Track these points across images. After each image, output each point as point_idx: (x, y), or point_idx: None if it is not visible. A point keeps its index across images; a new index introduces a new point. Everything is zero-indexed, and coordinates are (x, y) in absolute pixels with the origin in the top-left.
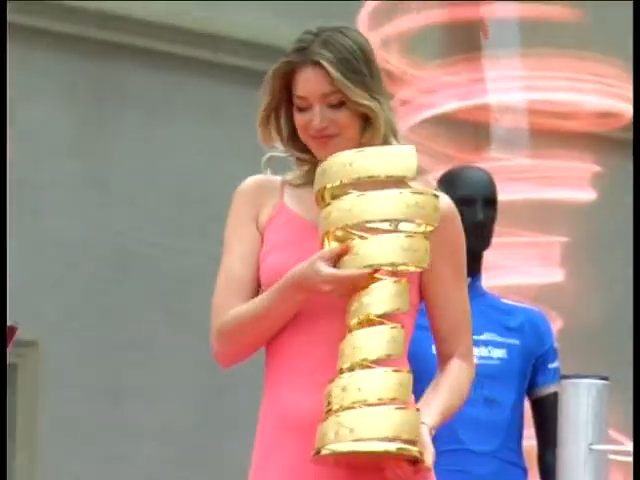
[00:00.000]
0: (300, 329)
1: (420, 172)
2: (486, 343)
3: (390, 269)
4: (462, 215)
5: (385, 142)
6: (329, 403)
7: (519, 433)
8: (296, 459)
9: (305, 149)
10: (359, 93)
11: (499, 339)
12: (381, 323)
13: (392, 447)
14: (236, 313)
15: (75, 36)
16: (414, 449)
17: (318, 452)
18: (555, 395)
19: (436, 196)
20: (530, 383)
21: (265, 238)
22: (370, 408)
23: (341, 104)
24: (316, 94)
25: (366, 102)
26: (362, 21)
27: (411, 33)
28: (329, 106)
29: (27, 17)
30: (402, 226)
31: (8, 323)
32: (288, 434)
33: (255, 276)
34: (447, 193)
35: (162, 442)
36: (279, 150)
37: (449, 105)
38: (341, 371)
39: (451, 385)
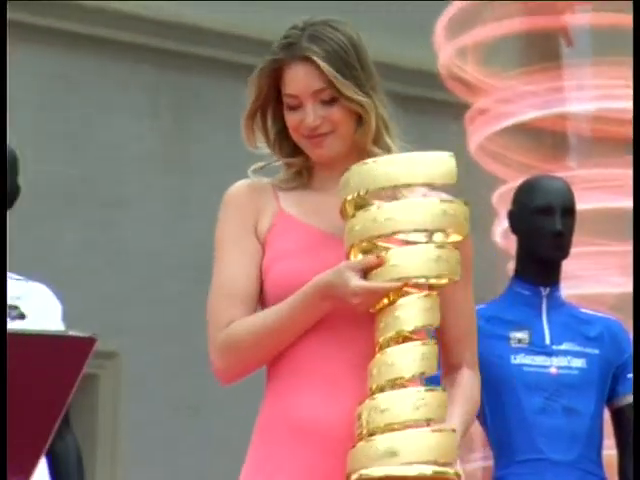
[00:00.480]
0: (318, 335)
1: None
2: (565, 353)
3: (422, 282)
4: (541, 225)
5: (378, 139)
6: (361, 425)
7: (599, 443)
8: (313, 466)
9: (293, 150)
10: (351, 88)
11: (578, 349)
12: (412, 339)
13: (427, 470)
14: (248, 326)
15: (156, 49)
16: (450, 472)
17: (350, 476)
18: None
19: (466, 204)
20: (610, 393)
21: (267, 247)
22: (406, 431)
23: (333, 100)
24: (307, 91)
25: (358, 97)
26: (439, 31)
27: (488, 43)
28: (321, 103)
29: (108, 30)
30: (433, 236)
31: (86, 334)
32: (305, 441)
33: (257, 287)
34: (525, 203)
35: (242, 455)
36: (266, 156)
37: (527, 114)
38: (373, 391)
39: (467, 397)
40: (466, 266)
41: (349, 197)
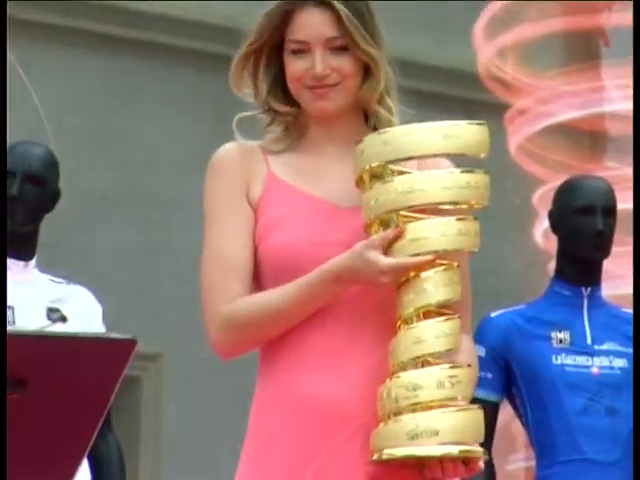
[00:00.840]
0: (318, 312)
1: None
2: (607, 353)
3: (447, 254)
4: (582, 224)
5: (381, 99)
6: (383, 405)
7: None
8: (318, 441)
9: (286, 104)
10: (366, 39)
11: (620, 349)
12: (438, 314)
13: (454, 450)
14: (253, 306)
15: (200, 52)
16: (478, 450)
17: (378, 456)
18: None
19: (486, 173)
20: None
21: (260, 213)
22: (432, 411)
23: (344, 50)
24: (320, 37)
25: (371, 50)
26: (478, 31)
27: (528, 43)
28: (331, 52)
29: (152, 33)
30: (454, 207)
31: (128, 336)
32: (309, 417)
33: (252, 256)
34: (566, 203)
35: None
36: (250, 109)
37: (567, 114)
38: (396, 369)
39: (471, 360)
40: None
41: (367, 167)
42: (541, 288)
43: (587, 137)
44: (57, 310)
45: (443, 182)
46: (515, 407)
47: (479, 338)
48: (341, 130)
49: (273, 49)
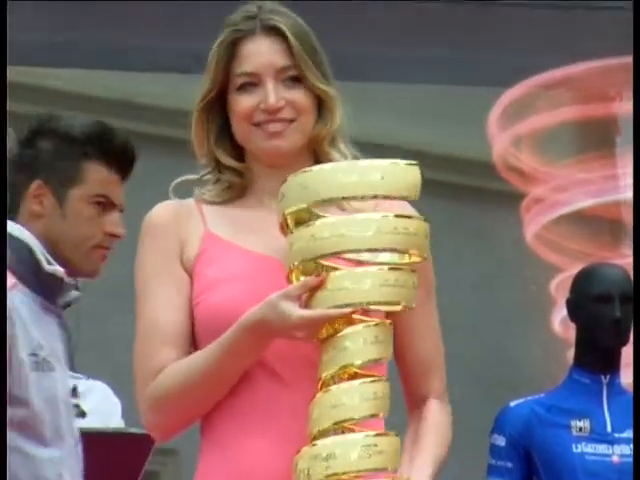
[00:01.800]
0: (256, 375)
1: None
2: (627, 441)
3: (372, 308)
4: (600, 312)
5: (333, 142)
6: (298, 478)
7: None
8: None
9: (232, 154)
10: (316, 72)
11: None
12: (362, 376)
13: None
14: (174, 374)
15: None
16: None
17: None
18: None
19: (426, 220)
20: None
21: (197, 275)
22: None
23: (296, 82)
24: (270, 68)
25: (324, 84)
26: (493, 121)
27: (542, 132)
28: (283, 84)
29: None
30: (385, 256)
31: (146, 432)
32: None
33: (188, 324)
34: (584, 290)
35: None
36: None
37: (583, 202)
38: (313, 437)
39: (436, 434)
40: (427, 288)
41: (288, 210)
42: (560, 376)
43: (604, 225)
44: (77, 406)
45: (373, 226)
46: None
47: (499, 428)
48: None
49: (219, 92)
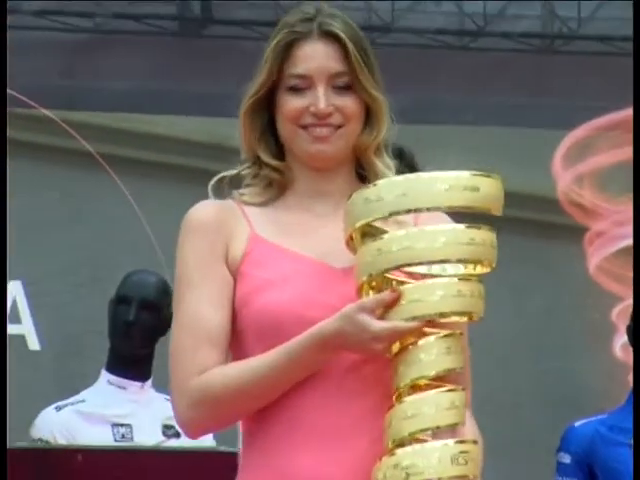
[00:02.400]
0: (314, 382)
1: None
2: None
3: (446, 320)
4: None
5: (378, 152)
6: None
7: None
8: None
9: (273, 153)
10: (370, 78)
11: None
12: (436, 387)
13: None
14: (228, 377)
15: None
16: None
17: None
18: None
19: (492, 230)
20: None
21: (243, 275)
22: None
23: (347, 89)
24: (323, 72)
25: (378, 91)
26: (557, 160)
27: (602, 170)
28: (333, 90)
29: None
30: (453, 268)
31: (236, 449)
32: None
33: (229, 325)
34: None
35: None
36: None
37: None
38: (391, 446)
39: (476, 438)
40: None
41: (357, 224)
42: (621, 398)
43: None
44: (172, 427)
45: (443, 238)
46: None
47: (565, 446)
48: (331, 185)
49: (268, 90)
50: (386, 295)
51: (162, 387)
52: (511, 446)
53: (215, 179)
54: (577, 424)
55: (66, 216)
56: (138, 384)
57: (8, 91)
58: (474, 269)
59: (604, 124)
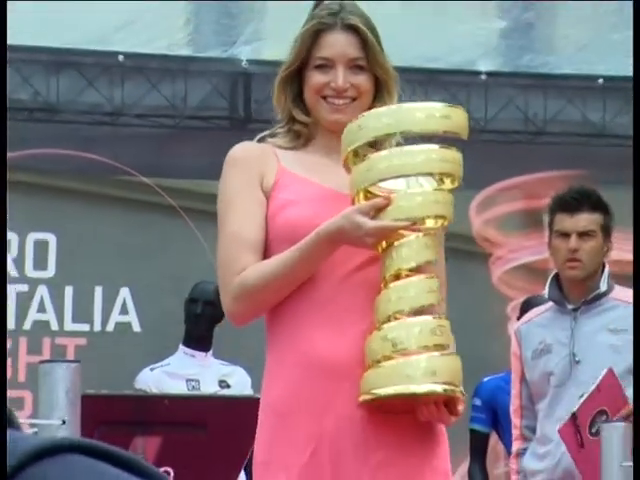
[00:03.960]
0: (322, 276)
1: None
2: None
3: (426, 222)
4: None
5: None
6: (370, 354)
7: None
8: (329, 403)
9: (305, 114)
10: (383, 59)
11: None
12: (416, 274)
13: (437, 387)
14: (261, 272)
15: None
16: (458, 389)
17: (365, 396)
18: None
19: (459, 151)
20: None
21: (272, 198)
22: (414, 357)
23: (361, 70)
24: (343, 56)
25: (389, 66)
26: (472, 211)
27: (502, 216)
28: (351, 70)
29: None
30: (429, 182)
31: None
32: (321, 375)
33: (263, 234)
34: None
35: None
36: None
37: (526, 259)
38: (381, 323)
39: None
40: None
41: (350, 148)
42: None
43: (538, 272)
44: (225, 381)
45: (423, 155)
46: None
47: (477, 393)
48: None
49: (298, 68)
50: (379, 200)
51: (218, 355)
52: None
53: (258, 136)
54: (485, 379)
55: (158, 247)
56: (203, 354)
57: (119, 164)
58: (445, 183)
59: (504, 186)
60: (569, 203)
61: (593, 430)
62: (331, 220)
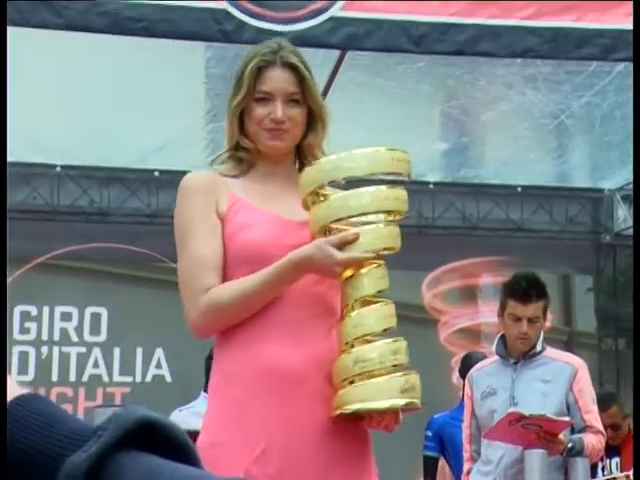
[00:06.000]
0: (277, 302)
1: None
2: None
3: (385, 253)
4: None
5: (321, 147)
6: (339, 374)
7: None
8: (283, 407)
9: (247, 141)
10: (317, 95)
11: None
12: (374, 303)
13: (401, 402)
14: (231, 289)
15: None
16: (417, 401)
17: (337, 411)
18: None
19: (404, 188)
20: None
21: (228, 221)
22: (378, 378)
23: (297, 103)
24: (282, 91)
25: (321, 103)
26: (424, 290)
27: (446, 292)
28: (288, 104)
29: None
30: (377, 217)
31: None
32: (273, 385)
33: (222, 256)
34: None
35: None
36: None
37: (466, 323)
38: (347, 346)
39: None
40: None
41: (308, 190)
42: (456, 404)
43: (470, 332)
44: None
45: (370, 197)
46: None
47: (429, 427)
48: (280, 167)
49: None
50: (349, 235)
51: None
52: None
53: (213, 158)
54: (435, 416)
55: (183, 317)
56: None
57: (155, 254)
58: (394, 217)
59: (447, 269)
60: (521, 294)
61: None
62: (302, 248)
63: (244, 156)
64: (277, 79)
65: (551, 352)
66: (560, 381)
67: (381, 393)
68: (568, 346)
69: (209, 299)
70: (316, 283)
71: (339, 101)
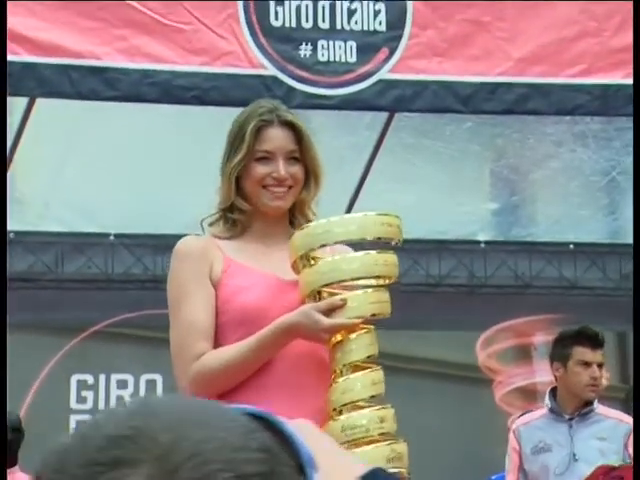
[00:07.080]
0: (273, 367)
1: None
2: None
3: (369, 318)
4: None
5: (311, 205)
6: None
7: None
8: None
9: (244, 202)
10: (314, 154)
11: None
12: (362, 368)
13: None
14: (220, 358)
15: None
16: (404, 470)
17: None
18: None
19: (394, 252)
20: None
21: (223, 285)
22: (363, 447)
23: (296, 160)
24: (283, 149)
25: (319, 162)
26: (478, 347)
27: (500, 351)
28: (288, 162)
29: None
30: (373, 281)
31: None
32: None
33: (214, 322)
34: None
35: None
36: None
37: (520, 383)
38: (335, 413)
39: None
40: None
41: (298, 254)
42: None
43: (529, 392)
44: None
45: (359, 261)
46: None
47: None
48: (277, 228)
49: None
50: (336, 300)
51: None
52: None
53: (203, 219)
54: (492, 477)
55: None
56: None
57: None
58: (384, 281)
59: (501, 328)
60: (592, 338)
61: None
62: (289, 315)
63: (239, 218)
64: (277, 138)
65: (603, 409)
66: (616, 439)
67: (366, 463)
68: (626, 404)
69: (201, 366)
70: (311, 345)
71: (388, 163)
